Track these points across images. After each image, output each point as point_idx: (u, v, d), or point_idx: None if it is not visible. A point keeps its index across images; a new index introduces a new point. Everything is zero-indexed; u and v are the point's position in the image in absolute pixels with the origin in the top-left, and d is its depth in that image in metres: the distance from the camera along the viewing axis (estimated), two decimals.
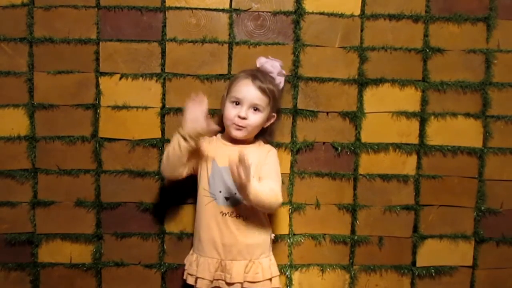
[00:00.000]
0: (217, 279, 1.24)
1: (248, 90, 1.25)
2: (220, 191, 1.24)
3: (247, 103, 1.24)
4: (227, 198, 1.24)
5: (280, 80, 1.34)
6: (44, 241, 1.44)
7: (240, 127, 1.25)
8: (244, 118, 1.24)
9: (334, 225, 1.47)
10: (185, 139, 1.18)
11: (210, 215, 1.25)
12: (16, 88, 1.40)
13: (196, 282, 1.26)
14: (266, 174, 1.25)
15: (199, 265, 1.26)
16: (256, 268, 1.25)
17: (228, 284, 1.23)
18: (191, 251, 1.33)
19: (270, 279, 1.27)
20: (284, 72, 1.35)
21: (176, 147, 1.19)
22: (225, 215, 1.23)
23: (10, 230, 1.44)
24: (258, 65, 1.33)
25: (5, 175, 1.42)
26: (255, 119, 1.26)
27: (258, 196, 1.15)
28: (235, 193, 1.23)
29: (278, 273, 1.30)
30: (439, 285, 1.50)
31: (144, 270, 1.46)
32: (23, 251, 1.45)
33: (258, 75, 1.27)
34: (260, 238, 1.28)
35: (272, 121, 1.33)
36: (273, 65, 1.33)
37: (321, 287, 1.49)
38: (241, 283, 1.22)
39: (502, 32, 1.45)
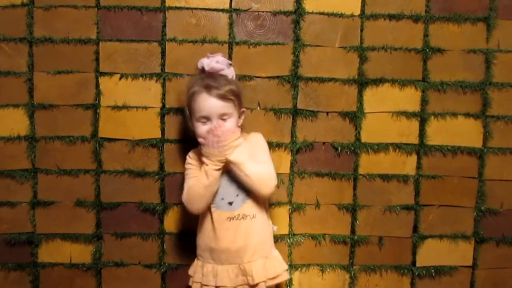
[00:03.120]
0: (240, 285, 1.22)
1: (209, 105, 1.18)
2: (223, 198, 1.23)
3: (215, 116, 1.19)
4: (230, 203, 1.23)
5: (232, 72, 1.28)
6: (44, 241, 1.44)
7: None
8: None
9: (334, 225, 1.47)
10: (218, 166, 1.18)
11: (219, 224, 1.23)
12: (16, 88, 1.41)
13: None
14: (254, 161, 1.22)
15: (217, 274, 1.23)
16: (272, 263, 1.25)
17: (252, 286, 1.21)
18: (199, 263, 1.28)
19: (285, 270, 1.28)
20: (229, 61, 1.29)
21: (213, 178, 1.18)
22: (233, 219, 1.22)
23: (10, 230, 1.44)
24: (206, 68, 1.25)
25: (5, 175, 1.42)
26: (227, 126, 1.20)
27: (240, 166, 1.17)
28: (237, 195, 1.23)
29: (287, 263, 1.32)
30: (439, 285, 1.50)
31: (144, 270, 1.46)
32: (23, 251, 1.45)
33: (210, 83, 1.20)
34: (268, 232, 1.29)
35: (244, 116, 1.28)
36: (219, 61, 1.24)
37: (321, 287, 1.49)
38: (265, 281, 1.21)
39: (502, 32, 1.45)
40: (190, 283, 1.30)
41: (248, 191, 1.23)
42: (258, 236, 1.24)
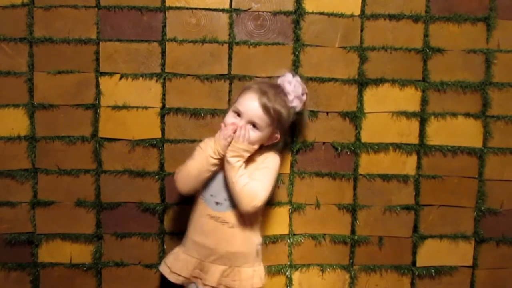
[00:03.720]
0: (195, 277, 1.24)
1: (250, 105, 1.18)
2: (212, 195, 1.23)
3: (246, 118, 1.19)
4: (217, 203, 1.23)
5: (297, 104, 1.27)
6: (44, 241, 1.44)
7: None
8: None
9: (334, 225, 1.47)
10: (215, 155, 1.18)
11: (199, 216, 1.25)
12: (16, 88, 1.41)
13: (169, 275, 1.26)
14: (255, 176, 1.21)
15: (178, 260, 1.26)
16: (234, 275, 1.23)
17: (205, 285, 1.23)
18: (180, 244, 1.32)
19: None
20: (304, 98, 1.29)
21: (205, 163, 1.19)
22: (212, 219, 1.22)
23: (10, 230, 1.44)
24: (279, 81, 1.26)
25: (5, 175, 1.42)
26: (251, 135, 1.19)
27: (233, 170, 1.16)
28: (225, 199, 1.22)
29: (260, 285, 1.26)
30: (439, 285, 1.50)
31: (144, 270, 1.46)
32: (23, 251, 1.45)
33: (268, 91, 1.20)
34: (244, 248, 1.25)
35: (274, 141, 1.27)
36: (295, 87, 1.25)
37: (321, 287, 1.49)
38: (216, 287, 1.22)
39: (502, 32, 1.45)
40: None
41: None
42: (229, 246, 1.23)
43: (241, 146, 1.17)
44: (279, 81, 1.29)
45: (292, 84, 1.26)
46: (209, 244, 1.23)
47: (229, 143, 1.17)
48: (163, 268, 1.30)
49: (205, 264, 1.23)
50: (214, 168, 1.21)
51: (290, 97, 1.25)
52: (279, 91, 1.24)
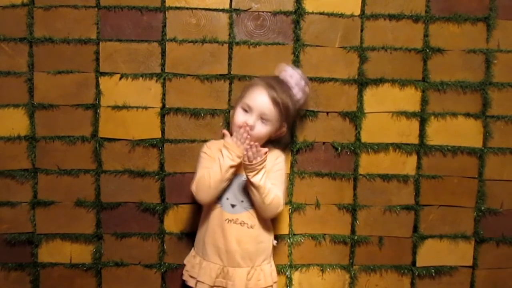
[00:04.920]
0: (218, 286, 1.23)
1: (260, 99, 1.22)
2: (227, 198, 1.23)
3: (256, 112, 1.22)
4: (233, 205, 1.23)
5: (300, 96, 1.31)
6: (44, 241, 1.44)
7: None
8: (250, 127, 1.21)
9: (334, 225, 1.47)
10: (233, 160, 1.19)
11: (216, 221, 1.24)
12: (16, 88, 1.41)
13: (196, 285, 1.25)
14: (271, 179, 1.23)
15: (201, 268, 1.25)
16: (258, 275, 1.25)
17: None
18: (193, 253, 1.32)
19: (272, 285, 1.27)
20: (307, 90, 1.33)
21: (226, 173, 1.19)
22: (231, 222, 1.22)
23: (10, 230, 1.44)
24: (283, 76, 1.29)
25: (5, 175, 1.42)
26: (260, 130, 1.23)
27: (260, 189, 1.17)
28: (242, 201, 1.23)
29: (277, 278, 1.31)
30: (439, 285, 1.50)
31: (144, 270, 1.46)
32: (23, 251, 1.45)
33: (275, 85, 1.23)
34: (264, 245, 1.27)
35: (281, 134, 1.30)
36: (295, 79, 1.29)
37: (321, 287, 1.49)
38: None
39: (502, 32, 1.45)
40: (184, 271, 1.33)
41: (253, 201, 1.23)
42: (251, 246, 1.24)
43: (257, 161, 1.16)
44: (282, 76, 1.31)
45: (294, 78, 1.30)
46: (231, 247, 1.22)
47: (245, 145, 1.18)
48: (190, 280, 1.28)
49: (228, 270, 1.23)
50: (233, 174, 1.21)
51: (294, 90, 1.29)
52: (284, 84, 1.28)
